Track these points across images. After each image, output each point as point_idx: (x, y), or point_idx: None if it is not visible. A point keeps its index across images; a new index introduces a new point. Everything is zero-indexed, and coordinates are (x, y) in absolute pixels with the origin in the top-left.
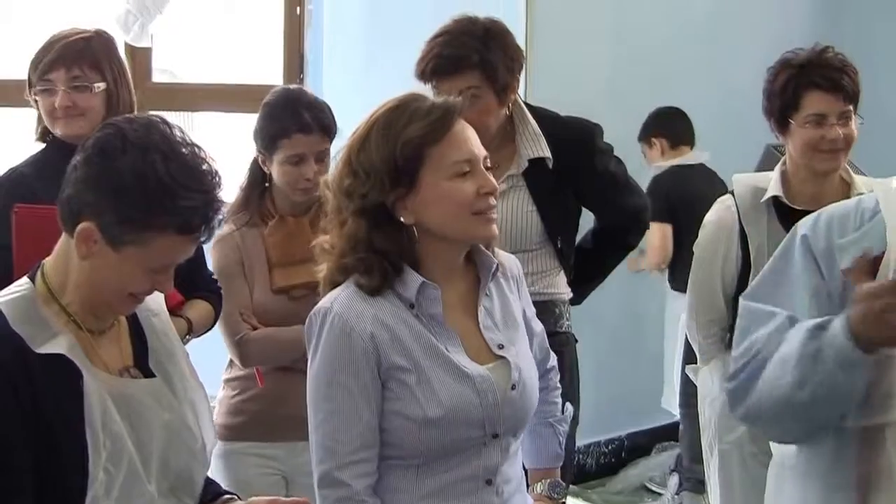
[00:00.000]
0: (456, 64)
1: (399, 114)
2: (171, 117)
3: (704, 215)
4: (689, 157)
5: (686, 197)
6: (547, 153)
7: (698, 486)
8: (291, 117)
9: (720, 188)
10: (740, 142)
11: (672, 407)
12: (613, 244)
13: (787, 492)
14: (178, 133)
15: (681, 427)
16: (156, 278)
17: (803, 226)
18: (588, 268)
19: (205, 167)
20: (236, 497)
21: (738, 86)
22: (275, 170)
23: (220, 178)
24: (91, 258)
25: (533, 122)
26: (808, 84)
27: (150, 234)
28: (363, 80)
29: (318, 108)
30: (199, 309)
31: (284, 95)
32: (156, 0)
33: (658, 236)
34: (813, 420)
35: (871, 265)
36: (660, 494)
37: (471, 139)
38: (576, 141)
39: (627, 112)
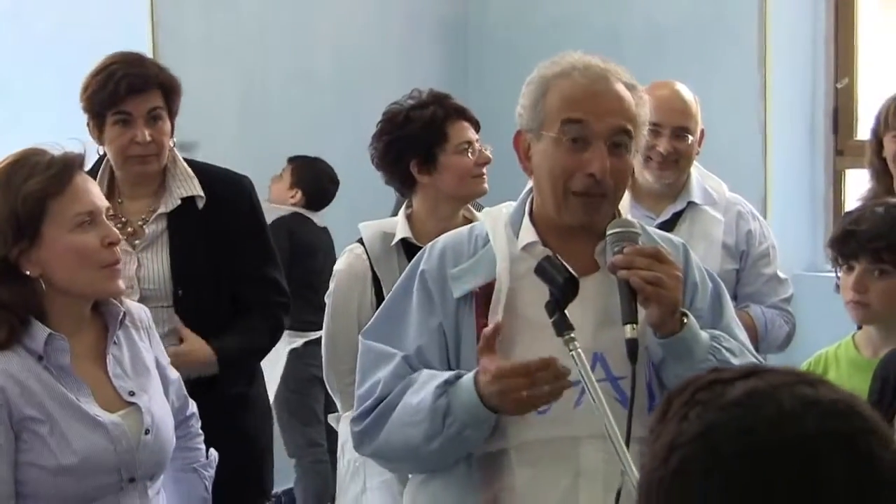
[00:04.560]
0: (146, 81)
1: (19, 168)
2: None
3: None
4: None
5: (306, 246)
6: (199, 192)
7: None
8: None
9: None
10: (372, 191)
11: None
12: (261, 319)
13: None
14: None
15: (296, 477)
16: None
17: (423, 257)
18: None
19: None
20: None
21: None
22: None
23: None
24: None
25: (184, 163)
26: (454, 115)
27: None
28: None
29: None
30: None
31: None
32: None
33: None
34: (441, 464)
35: (492, 333)
36: None
37: (92, 191)
38: (233, 184)
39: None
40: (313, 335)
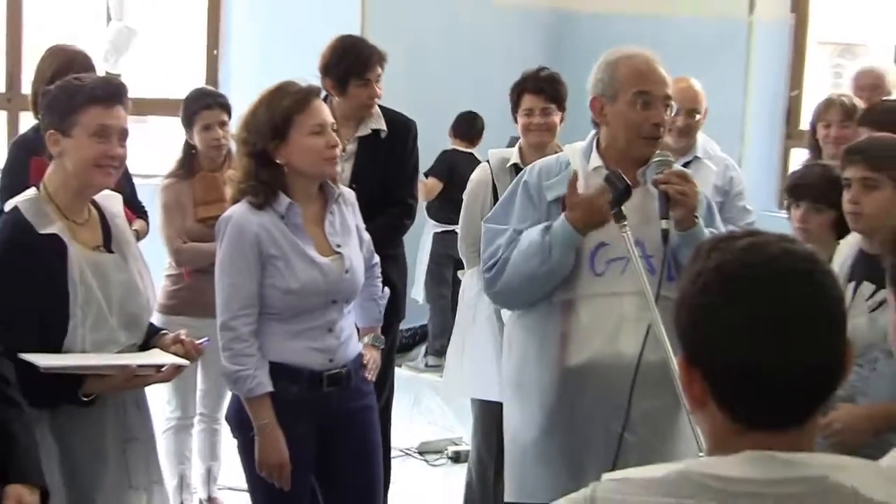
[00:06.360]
0: (381, 56)
1: (277, 92)
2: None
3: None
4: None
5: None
6: (384, 127)
7: (438, 352)
8: (200, 101)
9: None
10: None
11: (419, 297)
12: (387, 226)
13: (518, 340)
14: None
15: (430, 314)
16: (102, 146)
17: (525, 173)
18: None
19: (84, 79)
20: (167, 332)
21: (489, 95)
22: (195, 138)
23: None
24: (60, 153)
25: (377, 105)
26: (523, 90)
27: (77, 113)
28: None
29: (217, 95)
30: (140, 224)
31: (195, 91)
32: (125, 43)
33: (433, 184)
34: (543, 289)
35: (573, 184)
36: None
37: (324, 111)
38: (403, 125)
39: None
40: (450, 227)
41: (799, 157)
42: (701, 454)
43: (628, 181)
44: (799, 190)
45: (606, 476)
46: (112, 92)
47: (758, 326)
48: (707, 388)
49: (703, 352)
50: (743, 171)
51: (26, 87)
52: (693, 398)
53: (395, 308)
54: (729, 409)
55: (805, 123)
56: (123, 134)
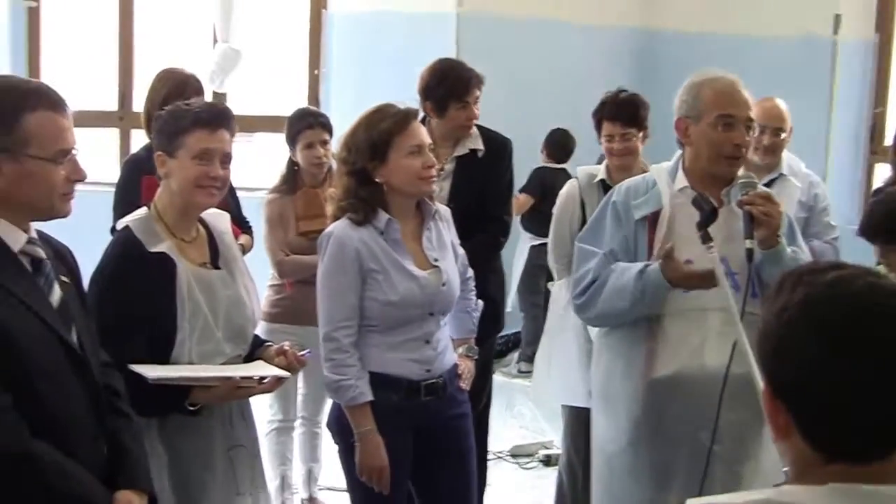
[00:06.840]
0: (480, 80)
1: (377, 114)
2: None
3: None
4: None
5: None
6: (481, 147)
7: (530, 358)
8: (303, 121)
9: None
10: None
11: (510, 304)
12: (484, 243)
13: (604, 359)
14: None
15: (524, 322)
16: (203, 167)
17: (614, 193)
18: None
19: (192, 104)
20: (272, 344)
21: (579, 113)
22: (298, 155)
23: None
24: (167, 173)
25: (474, 126)
26: (602, 117)
27: (182, 136)
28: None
29: (319, 115)
30: (245, 238)
31: (298, 111)
32: (231, 64)
33: (524, 200)
34: (631, 318)
35: (671, 249)
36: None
37: (422, 132)
38: (500, 143)
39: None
40: (545, 240)
41: (883, 173)
42: (785, 469)
43: (715, 204)
44: (868, 234)
45: (691, 501)
46: (217, 115)
47: (844, 361)
48: (791, 419)
49: (789, 385)
50: (827, 187)
51: (137, 106)
52: (778, 428)
53: (495, 320)
54: (813, 441)
55: (889, 140)
56: (226, 157)
